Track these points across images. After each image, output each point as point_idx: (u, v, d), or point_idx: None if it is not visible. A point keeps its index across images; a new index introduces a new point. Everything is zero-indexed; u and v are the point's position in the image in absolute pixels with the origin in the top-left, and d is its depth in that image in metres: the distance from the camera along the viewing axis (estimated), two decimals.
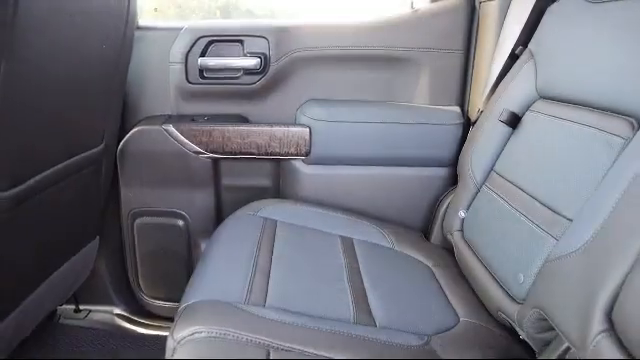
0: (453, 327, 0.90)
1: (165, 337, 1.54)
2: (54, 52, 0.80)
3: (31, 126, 0.81)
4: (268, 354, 0.67)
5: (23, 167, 0.84)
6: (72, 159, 1.01)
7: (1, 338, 0.95)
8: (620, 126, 0.80)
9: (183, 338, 0.70)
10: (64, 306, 1.57)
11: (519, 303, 0.87)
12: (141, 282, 1.53)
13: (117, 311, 1.56)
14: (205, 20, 1.42)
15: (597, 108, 0.88)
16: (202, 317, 0.74)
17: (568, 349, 0.73)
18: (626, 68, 0.83)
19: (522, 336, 0.86)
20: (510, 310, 0.88)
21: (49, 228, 1.03)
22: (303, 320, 0.78)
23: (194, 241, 1.47)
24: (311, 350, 0.71)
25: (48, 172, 0.93)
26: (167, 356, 0.71)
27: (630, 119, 0.79)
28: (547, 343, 0.80)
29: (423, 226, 1.38)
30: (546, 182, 0.93)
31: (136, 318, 1.56)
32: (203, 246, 1.45)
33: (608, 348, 0.60)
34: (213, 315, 0.75)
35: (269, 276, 0.92)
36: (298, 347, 0.70)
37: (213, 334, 0.70)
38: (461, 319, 0.93)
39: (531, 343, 0.83)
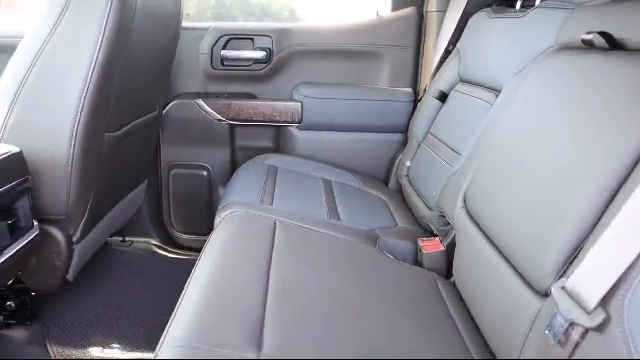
0: (392, 227, 1.41)
1: (188, 260, 2.01)
2: (144, 46, 1.29)
3: (128, 93, 1.30)
4: (275, 224, 1.17)
5: (122, 120, 1.33)
6: (141, 119, 1.50)
7: (76, 258, 1.38)
8: (490, 96, 1.30)
9: (225, 215, 1.20)
10: (113, 238, 2.05)
11: (432, 210, 1.37)
12: (172, 219, 2.02)
13: (153, 242, 2.05)
14: (226, 22, 1.90)
15: (484, 86, 1.38)
16: (234, 206, 1.24)
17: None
18: (498, 61, 1.32)
19: (434, 231, 1.36)
20: (428, 216, 1.39)
21: (124, 167, 1.51)
22: (296, 212, 1.29)
23: (214, 188, 1.96)
24: (300, 224, 1.21)
25: (131, 125, 1.41)
26: (215, 226, 1.20)
27: (496, 92, 1.29)
28: (447, 233, 1.31)
29: (383, 175, 1.88)
30: (454, 135, 1.43)
31: (168, 247, 2.04)
32: (221, 191, 1.94)
33: (462, 215, 1.11)
34: (240, 207, 1.25)
35: (273, 195, 1.42)
36: (292, 222, 1.21)
37: (243, 213, 1.20)
38: (398, 224, 1.44)
39: (439, 234, 1.33)
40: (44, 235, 1.19)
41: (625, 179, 0.67)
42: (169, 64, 1.65)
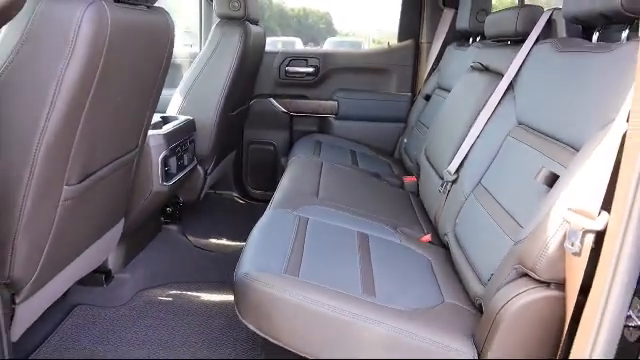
0: (390, 173, 2.34)
1: (258, 206, 2.99)
2: (248, 65, 2.29)
3: (239, 92, 2.30)
4: (321, 164, 2.13)
5: (234, 106, 2.33)
6: (240, 108, 2.50)
7: (207, 183, 2.37)
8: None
9: (292, 160, 2.17)
10: (208, 191, 3.04)
11: (412, 163, 2.30)
12: (248, 179, 3.00)
13: (235, 194, 3.02)
14: (289, 49, 2.89)
15: (447, 90, 2.30)
16: (298, 156, 2.21)
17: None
18: (453, 75, 2.25)
19: (414, 174, 2.28)
20: (411, 166, 2.32)
21: (229, 136, 2.50)
22: (332, 160, 2.24)
23: (278, 157, 2.93)
24: (335, 164, 2.16)
25: (237, 111, 2.41)
26: (287, 166, 2.17)
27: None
28: (420, 174, 2.23)
29: (390, 151, 2.81)
30: (428, 119, 2.36)
31: (244, 199, 3.02)
32: (283, 160, 2.91)
33: (423, 159, 2.03)
34: (301, 156, 2.22)
35: (320, 153, 2.38)
36: (331, 163, 2.16)
37: (303, 158, 2.17)
38: (394, 172, 2.38)
39: (415, 175, 2.26)
40: (194, 167, 2.18)
41: (475, 118, 1.59)
42: (255, 75, 2.66)
